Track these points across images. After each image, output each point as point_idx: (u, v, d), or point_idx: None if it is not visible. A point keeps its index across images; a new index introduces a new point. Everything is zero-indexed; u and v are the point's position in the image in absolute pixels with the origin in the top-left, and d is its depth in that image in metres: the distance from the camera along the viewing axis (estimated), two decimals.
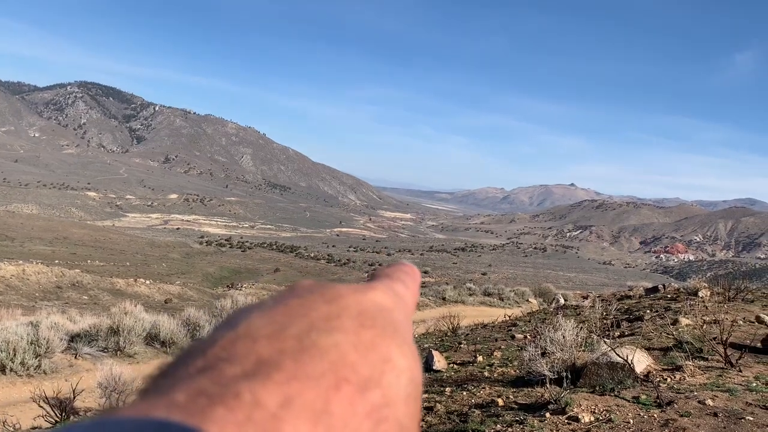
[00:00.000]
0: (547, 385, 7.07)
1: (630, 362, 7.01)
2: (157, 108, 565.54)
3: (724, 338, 7.95)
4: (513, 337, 12.93)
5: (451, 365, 10.08)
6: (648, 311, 13.45)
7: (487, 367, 9.50)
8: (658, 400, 6.22)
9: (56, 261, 65.49)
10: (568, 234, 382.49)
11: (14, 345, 10.81)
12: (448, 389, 8.05)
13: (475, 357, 10.46)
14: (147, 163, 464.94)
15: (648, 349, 8.77)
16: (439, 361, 9.86)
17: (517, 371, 8.74)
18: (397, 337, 0.41)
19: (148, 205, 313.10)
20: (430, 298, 25.60)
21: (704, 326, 10.16)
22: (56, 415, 8.18)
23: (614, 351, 7.31)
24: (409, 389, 0.40)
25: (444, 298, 25.58)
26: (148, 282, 56.27)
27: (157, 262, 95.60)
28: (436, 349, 10.99)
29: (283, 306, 0.41)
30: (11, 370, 10.70)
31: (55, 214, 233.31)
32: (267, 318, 0.40)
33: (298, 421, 0.38)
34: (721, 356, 7.88)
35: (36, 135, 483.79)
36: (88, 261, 78.50)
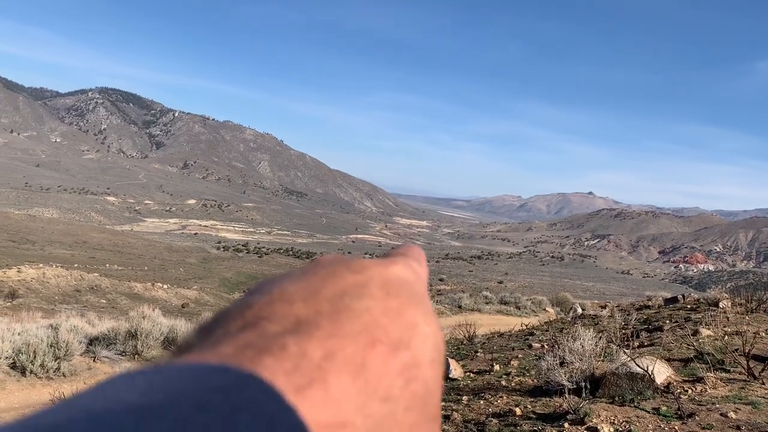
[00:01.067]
0: (566, 395, 6.99)
1: (650, 373, 6.92)
2: (176, 114, 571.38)
3: (747, 350, 7.82)
4: (530, 346, 12.82)
5: (468, 374, 10.02)
6: (667, 322, 13.28)
7: (504, 376, 9.43)
8: (679, 412, 6.13)
9: (75, 265, 66.24)
10: (585, 243, 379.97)
11: (34, 347, 10.92)
12: (464, 398, 8.00)
13: (492, 366, 10.38)
14: (166, 169, 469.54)
15: (668, 360, 8.65)
16: (456, 370, 9.80)
17: (535, 380, 8.66)
18: (421, 306, 0.45)
19: (167, 210, 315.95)
20: (445, 305, 25.51)
21: (726, 337, 10.01)
22: None
23: (634, 361, 7.22)
24: (433, 354, 0.43)
25: (460, 306, 25.46)
26: (165, 286, 56.73)
27: (175, 267, 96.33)
28: (452, 358, 10.93)
29: (312, 275, 0.44)
30: (31, 372, 10.80)
31: (75, 218, 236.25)
32: (299, 284, 0.43)
33: (340, 372, 0.40)
34: (744, 368, 7.75)
35: (57, 140, 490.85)
36: (107, 265, 79.32)
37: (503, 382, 8.96)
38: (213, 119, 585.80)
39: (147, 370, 0.38)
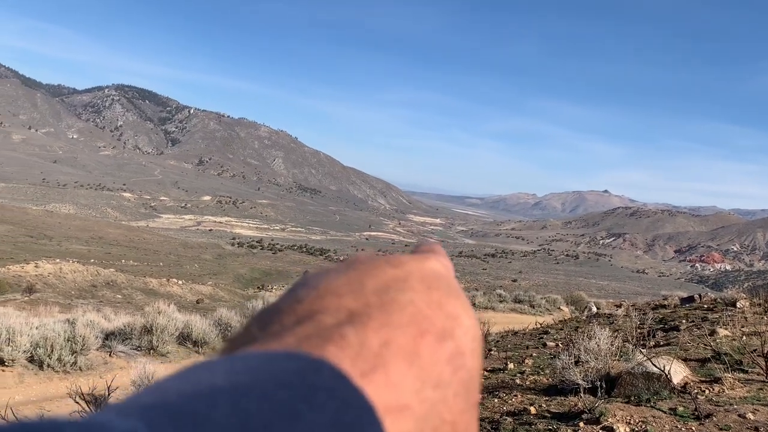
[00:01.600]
0: (581, 394, 6.95)
1: (667, 373, 6.85)
2: (191, 111, 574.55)
3: (765, 350, 7.72)
4: (545, 344, 12.76)
5: (482, 372, 9.98)
6: (684, 321, 13.16)
7: (519, 375, 9.39)
8: (696, 413, 6.07)
9: (92, 260, 66.91)
10: (601, 241, 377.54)
11: (52, 341, 11.03)
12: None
13: (506, 364, 10.35)
14: (181, 165, 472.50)
15: (684, 359, 8.57)
16: None
17: (550, 379, 8.62)
18: (459, 298, 0.48)
19: (182, 206, 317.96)
20: None
21: (744, 338, 9.90)
22: (91, 411, 8.30)
23: (650, 361, 7.16)
24: (473, 345, 0.46)
25: (474, 304, 25.37)
26: (180, 282, 57.11)
27: (190, 263, 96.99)
28: None
29: (354, 269, 0.47)
30: (48, 366, 10.92)
31: (91, 214, 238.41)
32: (344, 279, 0.46)
33: (397, 360, 0.42)
34: (762, 369, 7.65)
35: (74, 136, 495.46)
36: (123, 260, 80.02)
37: (518, 381, 8.92)
38: (228, 116, 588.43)
39: (223, 359, 0.41)
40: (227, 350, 0.44)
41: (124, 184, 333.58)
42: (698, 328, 11.41)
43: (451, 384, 0.43)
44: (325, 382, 0.42)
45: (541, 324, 17.31)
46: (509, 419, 6.73)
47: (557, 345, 12.24)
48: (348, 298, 0.44)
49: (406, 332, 0.43)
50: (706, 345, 9.41)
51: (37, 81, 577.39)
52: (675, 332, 11.84)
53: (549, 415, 6.76)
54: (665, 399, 6.68)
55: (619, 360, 8.05)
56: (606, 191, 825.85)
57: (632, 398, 6.77)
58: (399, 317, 0.44)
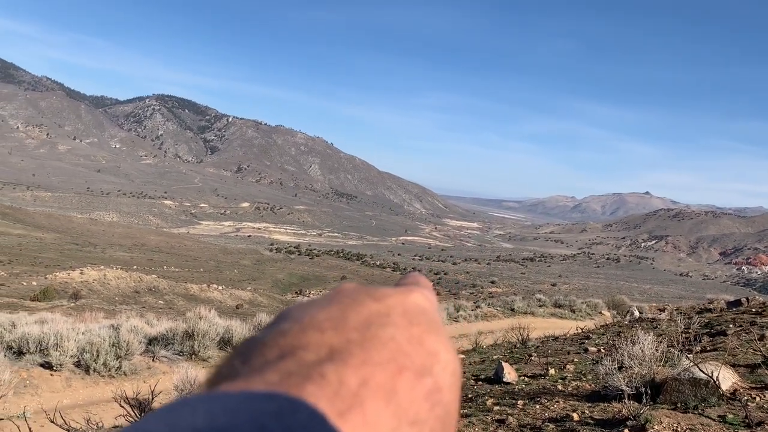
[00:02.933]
0: (625, 401, 6.79)
1: (715, 379, 6.66)
2: (230, 119, 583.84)
3: None
4: (586, 350, 12.54)
5: (522, 377, 9.86)
6: (731, 326, 12.78)
7: (560, 381, 9.24)
8: (747, 420, 5.88)
9: (134, 267, 68.36)
10: (642, 244, 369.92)
11: (97, 347, 11.28)
12: (520, 402, 7.88)
13: (547, 370, 10.19)
14: (220, 173, 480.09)
15: (733, 365, 8.32)
16: (510, 373, 9.66)
17: (592, 385, 8.46)
18: (440, 333, 0.47)
19: (221, 213, 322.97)
20: (498, 308, 25.22)
21: None
22: (136, 415, 8.46)
23: (697, 366, 6.97)
24: (452, 380, 0.46)
25: (513, 309, 25.13)
26: (220, 288, 57.92)
27: (229, 269, 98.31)
28: (506, 361, 10.78)
29: (337, 303, 0.46)
30: (94, 370, 11.16)
31: (134, 221, 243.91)
32: (327, 312, 0.46)
33: (374, 398, 0.44)
34: None
35: (117, 146, 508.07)
36: (164, 267, 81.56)
37: (559, 387, 8.78)
38: (265, 124, 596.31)
39: (204, 397, 0.43)
40: (210, 383, 0.44)
41: (165, 192, 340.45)
42: (747, 333, 11.07)
43: (427, 420, 0.44)
44: (302, 424, 0.43)
45: (582, 329, 17.01)
46: (551, 426, 6.62)
47: (599, 350, 12.01)
48: (330, 333, 0.45)
49: (385, 369, 0.44)
50: (755, 350, 9.12)
51: (80, 93, 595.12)
52: (722, 337, 11.50)
53: (592, 422, 6.63)
54: (714, 406, 6.49)
55: (664, 366, 7.86)
56: (647, 193, 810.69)
57: (679, 405, 6.60)
58: (378, 354, 0.45)
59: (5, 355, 10.13)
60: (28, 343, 11.03)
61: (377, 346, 0.45)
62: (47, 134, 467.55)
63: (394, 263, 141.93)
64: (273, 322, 0.47)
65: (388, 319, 0.46)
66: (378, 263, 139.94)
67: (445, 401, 0.45)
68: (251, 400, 0.43)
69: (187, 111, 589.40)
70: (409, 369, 0.45)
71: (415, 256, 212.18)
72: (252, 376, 0.44)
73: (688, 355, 8.32)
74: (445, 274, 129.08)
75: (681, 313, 18.20)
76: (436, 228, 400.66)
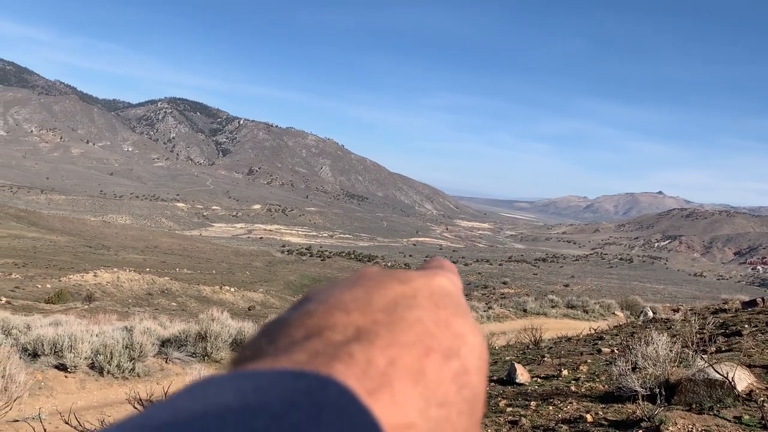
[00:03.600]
0: (639, 402, 6.74)
1: (730, 380, 6.59)
2: (241, 122, 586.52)
3: None
4: (599, 350, 12.46)
5: (535, 379, 9.81)
6: (746, 326, 12.65)
7: (573, 382, 9.18)
8: (763, 422, 5.82)
9: (147, 269, 68.72)
10: (656, 244, 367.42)
11: (111, 348, 11.35)
12: (533, 403, 7.84)
13: (560, 371, 10.14)
14: (232, 175, 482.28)
15: (749, 366, 8.23)
16: (522, 375, 9.62)
17: (606, 386, 8.41)
18: (466, 317, 0.48)
19: (233, 215, 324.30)
20: (510, 309, 25.15)
21: None
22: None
23: (712, 367, 6.90)
24: (479, 363, 0.46)
25: (525, 310, 25.03)
26: (232, 289, 58.15)
27: (241, 270, 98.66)
28: (519, 362, 10.74)
29: (362, 285, 0.47)
30: (108, 372, 11.23)
31: (147, 224, 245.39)
32: (352, 294, 0.46)
33: (403, 379, 0.43)
34: None
35: (129, 149, 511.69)
36: (177, 269, 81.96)
37: (572, 388, 8.73)
38: (276, 126, 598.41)
39: (232, 376, 0.42)
40: (236, 363, 0.45)
41: (177, 195, 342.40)
42: (762, 333, 10.97)
43: (455, 403, 0.44)
44: (333, 401, 0.43)
45: (595, 329, 16.91)
46: (565, 427, 6.59)
47: (612, 351, 11.93)
48: (356, 314, 0.45)
49: (413, 351, 0.44)
50: None
51: (93, 96, 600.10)
52: (737, 337, 11.39)
53: (606, 423, 6.59)
54: (729, 407, 6.43)
55: (678, 366, 7.80)
56: (660, 192, 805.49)
57: (693, 406, 6.54)
58: (406, 336, 0.44)
59: (21, 357, 10.21)
60: (42, 345, 11.12)
61: (404, 327, 0.45)
62: (61, 138, 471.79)
63: (405, 264, 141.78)
64: (297, 303, 0.47)
65: (415, 301, 0.46)
66: (389, 264, 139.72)
67: (472, 384, 0.45)
68: (280, 377, 0.43)
69: (198, 114, 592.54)
70: (437, 351, 0.44)
71: (426, 257, 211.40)
72: (279, 356, 0.44)
73: (703, 356, 8.25)
74: None
75: (695, 313, 18.06)
76: (447, 229, 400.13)
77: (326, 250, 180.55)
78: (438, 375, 0.44)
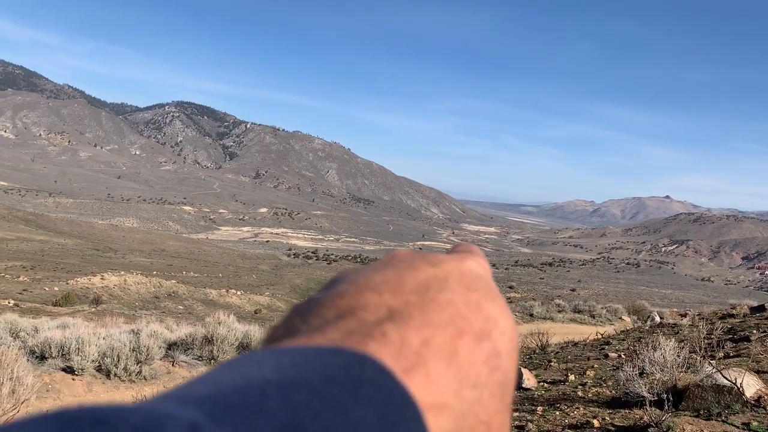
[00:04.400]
0: (647, 407, 6.71)
1: (739, 385, 6.55)
2: (248, 126, 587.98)
3: None
4: (606, 355, 12.41)
5: (541, 384, 9.78)
6: (755, 331, 12.57)
7: (580, 387, 9.15)
8: None
9: (154, 272, 68.89)
10: (663, 249, 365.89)
11: (118, 351, 11.38)
12: (539, 408, 7.81)
13: (567, 376, 10.10)
14: (239, 179, 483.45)
15: (757, 372, 8.18)
16: (529, 379, 9.59)
17: (613, 392, 8.37)
18: (497, 300, 0.48)
19: (240, 218, 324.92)
20: (516, 314, 25.06)
21: None
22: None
23: (720, 373, 6.86)
24: (510, 346, 0.46)
25: (531, 315, 24.96)
26: (239, 293, 58.22)
27: (248, 274, 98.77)
28: (525, 367, 10.71)
29: (393, 267, 0.48)
30: (115, 375, 11.27)
31: (154, 227, 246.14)
32: (383, 275, 0.47)
33: (437, 359, 0.43)
34: None
35: (137, 153, 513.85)
36: (184, 272, 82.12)
37: (579, 393, 8.70)
38: (283, 130, 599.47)
39: (270, 352, 0.42)
40: (270, 341, 0.46)
41: (184, 198, 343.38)
42: None
43: (487, 384, 0.44)
44: (370, 377, 0.43)
45: (602, 334, 16.84)
46: None
47: (620, 356, 11.89)
48: (388, 295, 0.45)
49: (446, 332, 0.44)
50: None
51: (101, 100, 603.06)
52: (745, 343, 11.33)
53: (613, 429, 6.56)
54: (737, 413, 6.39)
55: (686, 372, 7.76)
56: (667, 197, 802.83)
57: (701, 412, 6.50)
58: (438, 317, 0.45)
59: (28, 360, 10.25)
60: (50, 347, 11.18)
61: (436, 309, 0.45)
62: (69, 141, 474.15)
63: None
64: (328, 284, 0.48)
65: (446, 284, 0.46)
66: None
67: (504, 367, 0.45)
68: (318, 354, 0.43)
69: (206, 117, 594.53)
70: (469, 333, 0.45)
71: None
72: (313, 334, 0.44)
73: (711, 361, 8.21)
74: None
75: (703, 318, 17.95)
76: (453, 233, 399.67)
77: (332, 254, 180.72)
78: (470, 357, 0.44)
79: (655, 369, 7.55)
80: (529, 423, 7.08)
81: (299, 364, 0.43)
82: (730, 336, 12.59)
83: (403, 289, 0.46)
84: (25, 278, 51.66)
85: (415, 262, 0.48)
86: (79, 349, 11.13)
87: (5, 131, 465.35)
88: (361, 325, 0.44)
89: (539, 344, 14.62)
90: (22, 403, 8.13)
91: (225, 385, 0.42)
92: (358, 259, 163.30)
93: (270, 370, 0.43)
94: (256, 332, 14.54)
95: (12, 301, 34.82)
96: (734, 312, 18.81)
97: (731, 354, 10.37)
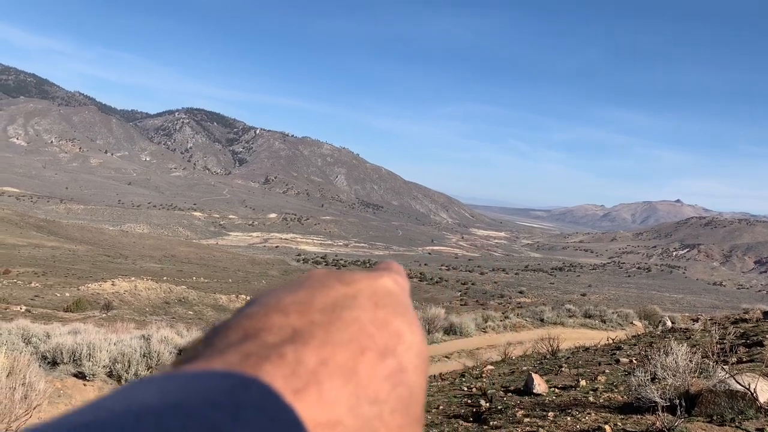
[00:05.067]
0: (659, 413, 6.66)
1: (752, 391, 6.49)
2: (257, 131, 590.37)
3: None
4: (618, 361, 12.34)
5: (552, 389, 9.73)
6: None
7: (592, 392, 9.10)
8: None
9: (164, 278, 69.14)
10: (674, 253, 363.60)
11: (129, 357, 11.42)
12: (550, 414, 7.77)
13: (578, 381, 10.04)
14: (248, 184, 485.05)
15: None
16: (540, 385, 9.55)
17: (624, 397, 8.31)
18: (406, 316, 0.48)
19: (249, 224, 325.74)
20: (527, 319, 24.95)
21: None
22: None
23: (734, 378, 6.80)
24: (417, 361, 0.46)
25: (542, 320, 24.83)
26: (248, 298, 58.04)
27: (258, 279, 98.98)
28: (536, 372, 10.66)
29: (306, 287, 0.48)
30: (126, 380, 11.30)
31: (164, 233, 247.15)
32: (294, 296, 0.47)
33: (333, 377, 0.45)
34: None
35: (147, 159, 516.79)
36: (194, 278, 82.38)
37: (590, 398, 8.65)
38: (292, 135, 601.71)
39: (162, 376, 0.43)
40: (175, 365, 0.45)
41: (194, 204, 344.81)
42: None
43: (388, 400, 0.45)
44: (253, 400, 0.44)
45: (613, 339, 16.75)
46: None
47: (631, 361, 11.81)
48: (294, 316, 0.46)
49: (346, 350, 0.45)
50: None
51: (112, 107, 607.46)
52: (758, 348, 11.23)
53: None
54: (751, 419, 6.33)
55: (698, 377, 7.70)
56: (678, 201, 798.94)
57: (715, 417, 6.45)
58: (341, 335, 0.45)
59: (40, 365, 10.30)
60: (62, 353, 11.23)
61: (340, 327, 0.46)
62: (80, 148, 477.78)
63: (420, 273, 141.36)
64: (243, 307, 0.47)
65: (355, 302, 0.47)
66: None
67: (409, 382, 0.46)
68: (206, 378, 0.43)
69: (215, 124, 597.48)
70: (372, 349, 0.45)
71: (441, 266, 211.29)
72: (213, 357, 0.45)
73: (724, 367, 8.13)
74: (472, 284, 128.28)
75: (715, 323, 17.82)
76: (462, 237, 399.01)
77: (341, 259, 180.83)
78: (371, 373, 0.45)
79: (668, 374, 7.50)
80: (540, 429, 7.04)
81: (184, 389, 0.43)
82: (743, 341, 12.48)
83: (311, 309, 0.46)
84: (37, 284, 51.98)
85: (329, 281, 0.48)
86: (90, 354, 11.17)
87: (17, 138, 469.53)
88: (261, 348, 0.45)
89: (550, 349, 14.55)
90: (35, 408, 8.18)
91: (105, 411, 0.42)
92: (367, 265, 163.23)
93: (153, 394, 0.43)
94: None
95: (24, 307, 35.03)
96: (747, 317, 18.65)
97: (744, 359, 10.28)
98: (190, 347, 0.46)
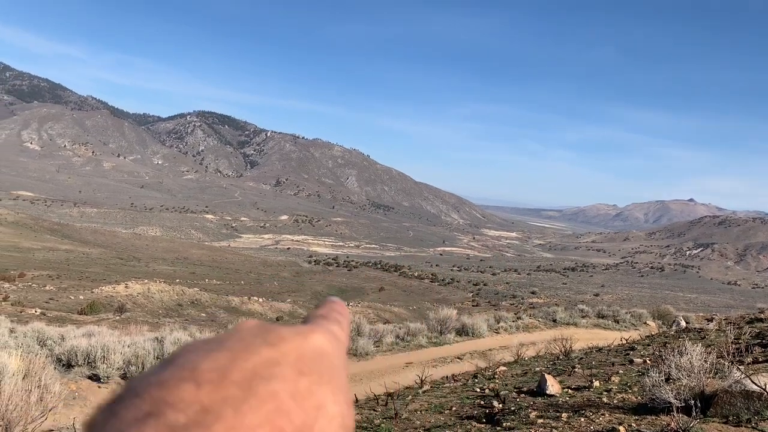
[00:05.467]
0: (674, 414, 6.61)
1: None
2: (268, 134, 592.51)
3: None
4: (631, 361, 12.26)
5: (566, 390, 9.69)
6: None
7: (605, 393, 9.04)
8: None
9: (177, 280, 69.51)
10: (687, 252, 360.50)
11: (142, 359, 11.51)
12: (564, 415, 7.73)
13: (591, 382, 9.99)
14: (260, 187, 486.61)
15: None
16: (553, 386, 9.50)
17: (639, 397, 8.26)
18: (332, 383, 0.45)
19: (261, 226, 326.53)
20: (539, 319, 24.87)
21: None
22: None
23: (750, 378, 6.74)
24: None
25: (555, 320, 24.73)
26: (260, 300, 58.54)
27: (269, 281, 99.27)
28: (549, 373, 10.61)
29: (227, 350, 0.45)
30: None
31: (176, 235, 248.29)
32: (212, 361, 0.44)
33: None
34: None
35: (159, 162, 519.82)
36: (206, 280, 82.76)
37: (604, 399, 8.59)
38: (303, 137, 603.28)
39: None
40: (86, 427, 0.43)
41: (206, 207, 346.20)
42: None
43: None
44: None
45: (626, 339, 16.65)
46: None
47: (645, 361, 11.73)
48: (207, 388, 0.43)
49: None
50: None
51: (124, 111, 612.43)
52: None
53: None
54: None
55: (713, 377, 7.63)
56: (691, 200, 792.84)
57: (731, 418, 6.39)
58: (252, 416, 0.43)
59: (55, 368, 10.39)
60: (76, 355, 11.31)
61: (254, 406, 0.43)
62: (93, 152, 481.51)
63: (432, 274, 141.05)
64: (162, 362, 0.45)
65: (277, 370, 0.44)
66: (416, 274, 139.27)
67: None
68: None
69: (227, 127, 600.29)
70: (285, 430, 0.43)
71: (453, 266, 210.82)
72: None
73: (739, 367, 8.06)
74: (484, 285, 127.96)
75: (730, 323, 17.66)
76: (474, 238, 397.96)
77: (353, 260, 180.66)
78: None
79: (682, 374, 7.43)
80: (553, 430, 7.01)
81: None
82: (759, 340, 12.36)
83: (227, 380, 0.44)
84: (51, 287, 52.40)
85: (254, 343, 0.46)
86: (104, 356, 11.25)
87: (31, 143, 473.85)
88: (161, 431, 0.42)
89: (563, 350, 14.48)
90: (50, 410, 8.24)
91: None
92: (379, 266, 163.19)
93: None
94: None
95: (39, 310, 35.33)
96: (762, 316, 18.48)
97: (760, 359, 10.18)
98: (104, 407, 0.44)
